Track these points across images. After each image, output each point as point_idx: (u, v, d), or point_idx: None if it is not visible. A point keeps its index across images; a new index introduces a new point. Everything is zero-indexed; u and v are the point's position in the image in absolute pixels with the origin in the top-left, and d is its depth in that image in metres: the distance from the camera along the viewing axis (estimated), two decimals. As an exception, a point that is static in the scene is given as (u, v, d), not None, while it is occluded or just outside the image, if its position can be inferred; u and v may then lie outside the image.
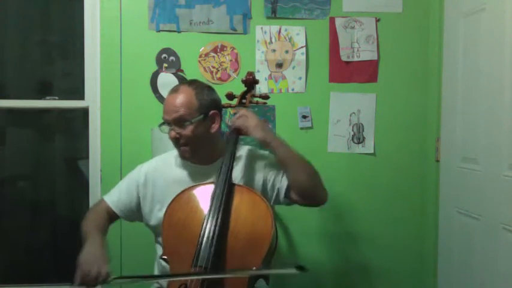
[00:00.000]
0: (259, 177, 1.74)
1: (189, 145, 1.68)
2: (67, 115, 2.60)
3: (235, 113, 1.81)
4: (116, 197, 1.77)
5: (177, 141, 1.69)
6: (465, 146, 2.14)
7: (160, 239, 1.73)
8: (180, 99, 1.66)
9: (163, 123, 1.70)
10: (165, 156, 1.85)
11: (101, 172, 2.39)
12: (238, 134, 1.72)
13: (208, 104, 1.70)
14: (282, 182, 1.71)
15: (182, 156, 1.73)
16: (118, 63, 2.37)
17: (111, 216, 1.76)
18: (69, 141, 2.65)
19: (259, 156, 1.79)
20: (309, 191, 1.69)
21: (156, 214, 1.73)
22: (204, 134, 1.69)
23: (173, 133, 1.67)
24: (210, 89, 1.76)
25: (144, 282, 1.69)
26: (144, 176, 1.78)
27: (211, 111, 1.70)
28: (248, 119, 1.69)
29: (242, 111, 1.73)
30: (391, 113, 2.46)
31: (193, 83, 1.75)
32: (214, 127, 1.72)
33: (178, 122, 1.66)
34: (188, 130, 1.65)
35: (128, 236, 2.32)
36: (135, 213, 1.78)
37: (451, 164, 2.25)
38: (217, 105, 1.75)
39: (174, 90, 1.70)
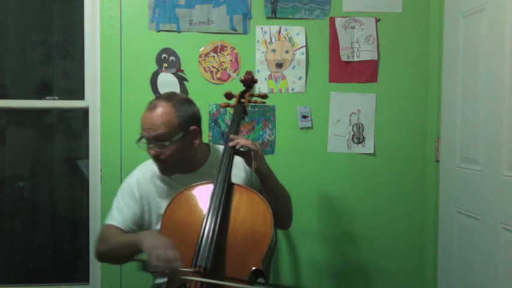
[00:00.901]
0: (246, 179, 1.78)
1: (169, 163, 1.66)
2: (67, 115, 2.60)
3: (232, 113, 1.81)
4: (120, 217, 1.71)
5: (157, 159, 1.67)
6: (465, 146, 2.14)
7: None
8: (158, 117, 1.62)
9: (141, 139, 1.66)
10: (149, 167, 1.78)
11: (101, 172, 2.39)
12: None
13: (187, 120, 1.66)
14: None
15: (163, 173, 1.71)
16: (118, 63, 2.37)
17: None
18: (69, 141, 2.65)
19: (248, 169, 1.78)
20: (281, 219, 1.73)
21: (156, 224, 1.74)
22: (185, 150, 1.67)
23: (152, 151, 1.64)
24: (189, 102, 1.72)
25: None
26: (138, 192, 1.74)
27: (192, 127, 1.67)
28: (255, 144, 1.65)
29: (240, 138, 1.67)
30: (391, 113, 2.46)
31: (172, 97, 1.69)
32: (196, 142, 1.70)
33: (158, 141, 1.62)
34: (168, 149, 1.63)
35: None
36: (140, 226, 1.74)
37: (451, 164, 2.25)
38: (197, 120, 1.71)
39: (152, 107, 1.65)
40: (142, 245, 1.45)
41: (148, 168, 1.79)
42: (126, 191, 1.76)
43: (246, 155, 1.65)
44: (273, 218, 1.65)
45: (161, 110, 1.63)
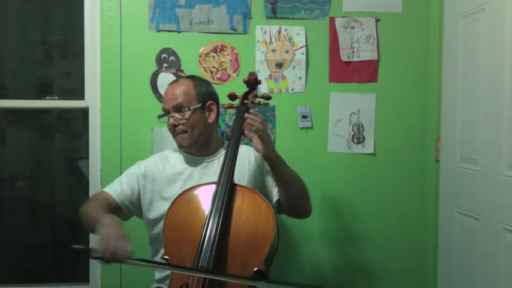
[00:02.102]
0: (259, 179, 1.79)
1: (187, 132, 1.75)
2: (67, 115, 2.60)
3: (235, 113, 1.81)
4: (118, 189, 1.78)
5: (174, 129, 1.76)
6: (465, 146, 2.15)
7: (154, 242, 1.78)
8: (179, 88, 1.77)
9: (162, 115, 1.80)
10: (163, 153, 1.90)
11: (101, 172, 2.39)
12: (241, 135, 1.71)
13: (205, 95, 1.80)
14: (274, 194, 1.78)
15: (179, 144, 1.79)
16: (118, 63, 2.37)
17: (112, 208, 1.73)
18: (69, 141, 2.65)
19: (258, 157, 1.81)
20: (298, 206, 1.78)
21: (156, 206, 1.76)
22: (201, 123, 1.77)
23: (172, 120, 1.75)
24: (207, 82, 1.88)
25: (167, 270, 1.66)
26: (144, 169, 1.81)
27: (209, 102, 1.80)
28: (267, 131, 1.68)
29: (261, 117, 1.68)
30: (391, 113, 2.46)
31: (192, 76, 1.87)
32: (212, 117, 1.80)
33: (177, 108, 1.75)
34: (186, 116, 1.73)
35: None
36: (135, 206, 1.79)
37: (451, 164, 2.25)
38: (214, 98, 1.84)
39: (174, 82, 1.84)
40: (98, 230, 1.45)
41: (162, 154, 1.88)
42: (133, 169, 1.83)
43: (249, 136, 1.69)
44: (292, 207, 1.74)
45: (181, 83, 1.80)
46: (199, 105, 1.76)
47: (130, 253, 1.38)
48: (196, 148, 1.79)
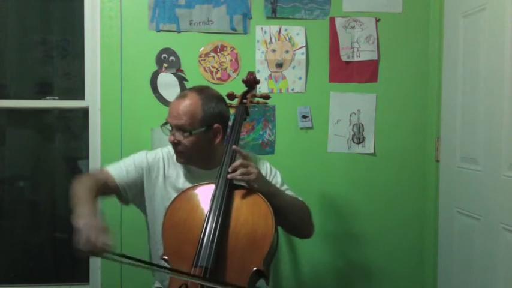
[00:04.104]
0: None
1: (185, 153, 1.67)
2: (67, 115, 2.60)
3: (233, 113, 1.81)
4: (124, 171, 1.69)
5: (175, 146, 1.68)
6: (465, 146, 2.15)
7: (151, 239, 1.77)
8: (185, 106, 1.64)
9: (165, 124, 1.69)
10: (164, 150, 1.80)
11: (101, 172, 2.39)
12: (240, 134, 1.70)
13: (213, 116, 1.66)
14: None
15: (177, 160, 1.73)
16: (118, 63, 2.37)
17: (108, 189, 1.67)
18: (69, 141, 2.65)
19: (258, 163, 1.78)
20: (298, 232, 1.78)
21: (154, 205, 1.73)
22: (204, 146, 1.68)
23: (172, 138, 1.66)
24: (219, 99, 1.71)
25: (148, 269, 1.59)
26: (149, 162, 1.74)
27: (215, 125, 1.67)
28: (249, 170, 1.57)
29: (241, 161, 1.58)
30: (391, 113, 2.46)
31: (203, 91, 1.70)
32: (216, 140, 1.70)
33: (179, 129, 1.65)
34: (187, 140, 1.64)
35: (128, 238, 2.32)
36: (138, 192, 1.72)
37: (451, 164, 2.25)
38: (223, 118, 1.71)
39: (182, 96, 1.68)
40: (77, 219, 1.37)
41: (169, 151, 1.78)
42: (140, 156, 1.75)
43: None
44: (291, 229, 1.72)
45: (189, 100, 1.65)
46: (204, 129, 1.64)
47: (111, 247, 1.32)
48: (194, 164, 1.73)
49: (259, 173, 1.60)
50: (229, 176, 1.57)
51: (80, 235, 1.31)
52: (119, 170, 1.70)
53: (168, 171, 1.75)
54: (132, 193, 1.72)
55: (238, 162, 1.58)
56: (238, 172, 1.56)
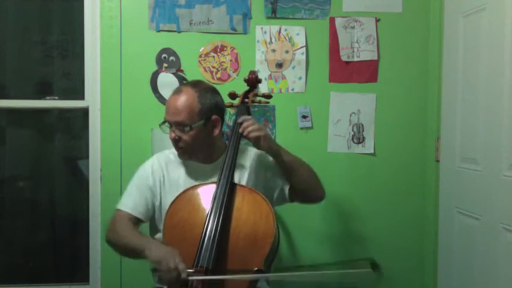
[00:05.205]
0: (260, 176, 1.77)
1: (187, 148, 1.68)
2: (67, 115, 2.60)
3: (235, 113, 1.81)
4: (131, 203, 1.70)
5: (176, 143, 1.69)
6: (465, 146, 2.15)
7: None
8: (182, 102, 1.65)
9: (164, 122, 1.70)
10: (165, 154, 1.81)
11: (101, 172, 2.39)
12: (241, 136, 1.70)
13: (210, 108, 1.68)
14: (284, 183, 1.76)
15: (180, 156, 1.74)
16: (118, 63, 2.37)
17: (134, 224, 1.69)
18: (69, 141, 2.65)
19: (257, 154, 1.80)
20: (311, 191, 1.79)
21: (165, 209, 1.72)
22: (204, 138, 1.69)
23: (173, 134, 1.68)
24: (213, 91, 1.74)
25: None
26: (151, 176, 1.74)
27: (213, 116, 1.69)
28: (261, 130, 1.66)
29: (251, 121, 1.68)
30: (391, 113, 2.46)
31: (197, 84, 1.72)
32: (215, 132, 1.72)
33: (179, 125, 1.65)
34: (188, 135, 1.66)
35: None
36: (152, 207, 1.74)
37: (451, 164, 2.25)
38: (219, 109, 1.73)
39: (177, 92, 1.69)
40: (149, 256, 1.45)
41: (165, 155, 1.80)
42: (140, 177, 1.76)
43: (251, 141, 1.67)
44: (305, 187, 1.75)
45: (185, 95, 1.66)
46: (203, 121, 1.66)
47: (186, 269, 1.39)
48: (197, 159, 1.74)
49: (266, 131, 1.69)
50: (240, 130, 1.65)
51: (160, 269, 1.39)
52: (128, 203, 1.70)
53: (169, 175, 1.75)
54: (151, 212, 1.73)
55: (250, 121, 1.67)
56: (251, 128, 1.64)
